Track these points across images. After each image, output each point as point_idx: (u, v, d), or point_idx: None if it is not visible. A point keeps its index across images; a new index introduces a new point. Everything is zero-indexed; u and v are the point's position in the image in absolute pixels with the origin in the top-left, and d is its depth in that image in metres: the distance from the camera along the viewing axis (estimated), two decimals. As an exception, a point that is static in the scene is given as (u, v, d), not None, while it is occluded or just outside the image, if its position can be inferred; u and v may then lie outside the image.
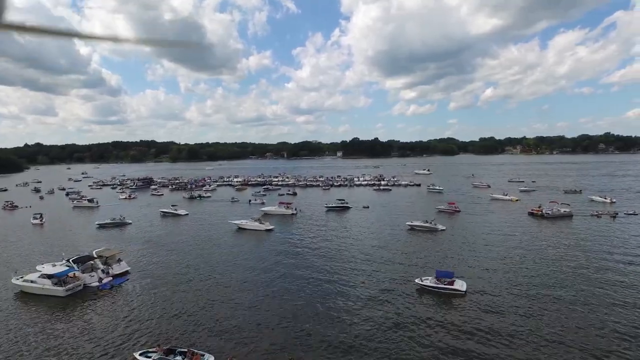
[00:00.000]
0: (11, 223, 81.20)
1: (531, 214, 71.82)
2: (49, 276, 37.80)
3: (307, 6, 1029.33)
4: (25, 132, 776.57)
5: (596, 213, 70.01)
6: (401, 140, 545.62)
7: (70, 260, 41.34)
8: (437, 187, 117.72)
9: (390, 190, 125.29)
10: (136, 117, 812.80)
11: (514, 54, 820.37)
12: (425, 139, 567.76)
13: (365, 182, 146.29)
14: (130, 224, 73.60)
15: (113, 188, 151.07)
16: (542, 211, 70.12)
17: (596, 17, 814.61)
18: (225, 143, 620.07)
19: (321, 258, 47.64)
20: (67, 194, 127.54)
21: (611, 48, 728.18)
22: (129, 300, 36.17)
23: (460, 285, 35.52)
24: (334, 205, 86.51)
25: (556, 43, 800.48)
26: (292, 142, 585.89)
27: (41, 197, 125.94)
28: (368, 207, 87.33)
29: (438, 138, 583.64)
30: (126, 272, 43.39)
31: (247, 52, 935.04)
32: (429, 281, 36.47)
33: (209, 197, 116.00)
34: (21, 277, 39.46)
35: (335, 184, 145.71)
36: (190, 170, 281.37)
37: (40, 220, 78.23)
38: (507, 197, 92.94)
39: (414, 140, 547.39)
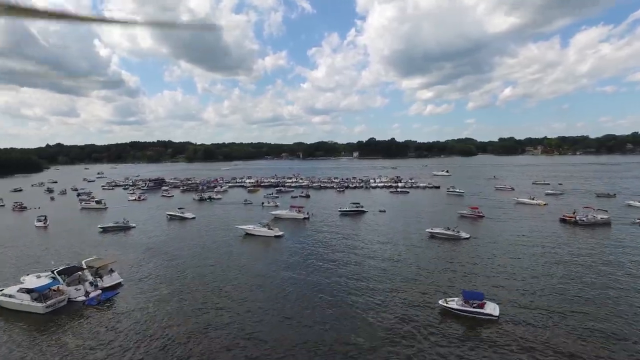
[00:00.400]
0: (16, 225, 78.89)
1: (563, 220, 65.68)
2: (28, 290, 34.07)
3: (323, 6, 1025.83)
4: (49, 133, 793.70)
5: (638, 221, 63.41)
6: (418, 141, 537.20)
7: (55, 272, 37.64)
8: (458, 190, 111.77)
9: (408, 192, 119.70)
10: (154, 118, 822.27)
11: (534, 52, 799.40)
12: (442, 139, 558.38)
13: (382, 184, 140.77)
14: (133, 227, 70.21)
15: (125, 189, 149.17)
16: (575, 217, 64.00)
17: (621, 12, 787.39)
18: (241, 143, 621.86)
19: (332, 272, 42.79)
20: (78, 195, 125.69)
21: (637, 45, 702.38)
22: (115, 319, 32.12)
23: (492, 309, 30.43)
24: (348, 209, 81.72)
25: (578, 40, 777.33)
26: (308, 143, 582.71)
27: (52, 198, 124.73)
28: (384, 211, 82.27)
29: (456, 138, 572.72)
30: (118, 285, 39.52)
31: (263, 52, 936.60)
32: (455, 303, 31.45)
33: (220, 199, 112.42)
34: (1, 290, 35.93)
35: (351, 185, 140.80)
36: (206, 170, 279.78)
37: (44, 223, 75.63)
38: (533, 201, 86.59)
39: (431, 141, 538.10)
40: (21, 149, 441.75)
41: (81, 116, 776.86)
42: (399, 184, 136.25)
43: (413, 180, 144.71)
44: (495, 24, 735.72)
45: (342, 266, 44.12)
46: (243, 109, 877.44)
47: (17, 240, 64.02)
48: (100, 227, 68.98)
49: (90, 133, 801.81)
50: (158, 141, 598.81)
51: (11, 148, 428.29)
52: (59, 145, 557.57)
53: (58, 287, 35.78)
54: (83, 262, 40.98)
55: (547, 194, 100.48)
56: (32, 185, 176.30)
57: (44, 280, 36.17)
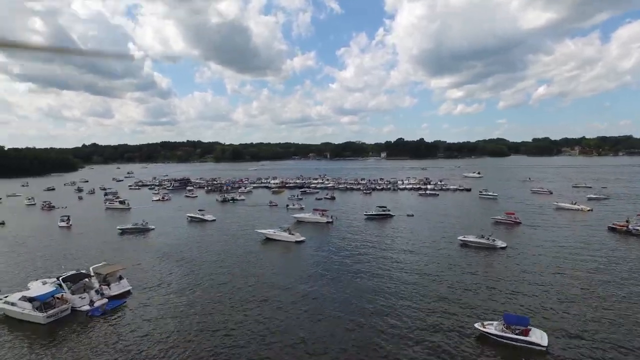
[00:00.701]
0: (41, 224, 79.19)
1: (612, 229, 59.46)
2: (30, 299, 32.19)
3: (351, 6, 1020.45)
4: (86, 133, 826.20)
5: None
6: (448, 141, 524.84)
7: (61, 279, 35.79)
8: (491, 193, 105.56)
9: (437, 195, 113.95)
10: (185, 119, 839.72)
11: (570, 49, 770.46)
12: (472, 140, 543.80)
13: (410, 186, 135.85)
14: (152, 229, 68.78)
15: (151, 189, 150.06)
16: (628, 226, 57.84)
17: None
18: (269, 143, 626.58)
19: (354, 287, 39.11)
20: (105, 195, 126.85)
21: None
22: (117, 333, 29.71)
23: (539, 337, 26.15)
24: (374, 213, 77.84)
25: (620, 35, 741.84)
26: (336, 143, 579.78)
27: (80, 198, 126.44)
28: (412, 215, 77.89)
29: (487, 139, 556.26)
30: (126, 293, 37.33)
31: (292, 53, 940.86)
32: (493, 327, 27.35)
33: (243, 200, 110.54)
34: (5, 297, 34.33)
35: (378, 187, 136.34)
36: (233, 170, 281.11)
37: (67, 223, 75.47)
38: (576, 207, 79.90)
39: (460, 141, 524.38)
40: (58, 149, 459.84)
41: (116, 117, 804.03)
42: (428, 186, 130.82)
43: (443, 182, 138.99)
44: (530, 20, 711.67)
45: (366, 279, 40.42)
46: (272, 109, 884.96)
47: (38, 240, 63.63)
48: (119, 229, 67.92)
49: (124, 133, 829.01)
50: (188, 141, 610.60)
51: (50, 148, 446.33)
52: (94, 145, 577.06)
53: (62, 295, 33.82)
54: (90, 269, 39.09)
55: (590, 199, 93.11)
56: (65, 185, 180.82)
57: (47, 287, 34.32)
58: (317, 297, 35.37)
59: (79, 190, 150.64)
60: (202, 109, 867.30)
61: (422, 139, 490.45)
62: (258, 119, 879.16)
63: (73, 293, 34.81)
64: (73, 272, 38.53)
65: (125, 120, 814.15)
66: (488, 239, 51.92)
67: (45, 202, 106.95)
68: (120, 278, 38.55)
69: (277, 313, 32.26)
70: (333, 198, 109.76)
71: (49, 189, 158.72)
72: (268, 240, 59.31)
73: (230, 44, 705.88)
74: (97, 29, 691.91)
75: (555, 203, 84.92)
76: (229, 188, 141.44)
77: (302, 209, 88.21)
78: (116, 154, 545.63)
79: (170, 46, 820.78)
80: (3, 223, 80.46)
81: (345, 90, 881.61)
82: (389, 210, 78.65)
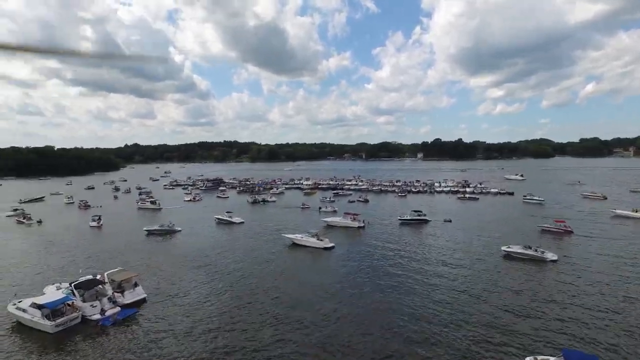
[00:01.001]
0: (74, 223, 79.99)
1: (682, 241, 52.71)
2: (39, 306, 30.68)
3: (387, 5, 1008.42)
4: (130, 134, 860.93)
5: None
6: (487, 142, 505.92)
7: (73, 285, 34.21)
8: (536, 198, 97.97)
9: (477, 199, 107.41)
10: (223, 119, 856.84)
11: (624, 42, 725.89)
12: (513, 140, 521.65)
13: (448, 189, 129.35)
14: (179, 231, 67.60)
15: (184, 189, 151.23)
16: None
17: None
18: (305, 144, 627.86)
19: (385, 305, 35.33)
20: (140, 194, 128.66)
21: None
22: (125, 347, 27.56)
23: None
24: (409, 217, 73.45)
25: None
26: (371, 143, 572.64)
27: (115, 197, 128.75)
28: (450, 221, 72.84)
29: (529, 139, 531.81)
30: (141, 301, 35.36)
31: (327, 53, 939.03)
32: (551, 364, 23.07)
33: (274, 201, 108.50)
34: (19, 302, 33.10)
35: (413, 189, 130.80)
36: (267, 170, 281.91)
37: (97, 223, 75.86)
38: (638, 215, 72.29)
39: (501, 142, 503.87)
40: (103, 149, 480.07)
41: (157, 118, 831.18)
42: (467, 189, 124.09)
43: (483, 185, 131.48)
44: (578, 13, 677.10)
45: (398, 297, 36.48)
46: (307, 109, 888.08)
47: (68, 240, 63.67)
48: (145, 230, 67.16)
49: (165, 134, 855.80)
50: (224, 141, 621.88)
51: (96, 148, 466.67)
52: (135, 145, 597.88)
53: (72, 302, 32.19)
54: (105, 274, 37.38)
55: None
56: (104, 184, 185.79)
57: (58, 294, 32.85)
58: (341, 317, 31.68)
59: (116, 189, 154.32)
60: (240, 109, 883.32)
61: (460, 139, 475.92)
62: (294, 119, 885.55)
63: (84, 300, 33.11)
64: (88, 277, 37.06)
65: (166, 121, 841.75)
66: (536, 250, 46.71)
67: (82, 201, 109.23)
68: (136, 285, 36.65)
69: (296, 336, 29.04)
70: (366, 201, 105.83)
71: (89, 188, 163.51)
72: (295, 245, 56.49)
73: (267, 45, 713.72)
74: (140, 34, 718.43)
75: (613, 210, 77.07)
76: (261, 189, 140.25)
77: (334, 211, 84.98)
78: (156, 154, 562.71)
79: (209, 49, 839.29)
80: (40, 221, 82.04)
81: (381, 90, 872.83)
82: (424, 215, 74.13)
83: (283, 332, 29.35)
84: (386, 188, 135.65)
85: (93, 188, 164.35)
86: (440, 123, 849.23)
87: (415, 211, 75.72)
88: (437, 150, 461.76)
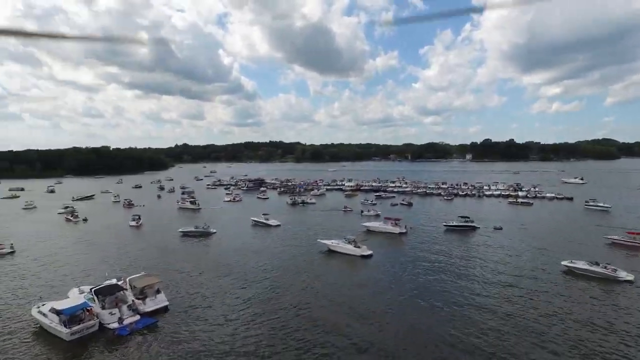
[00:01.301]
0: (115, 222, 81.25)
1: None
2: (57, 311, 29.54)
3: (435, 2, 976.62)
4: (181, 134, 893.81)
5: None
6: (541, 142, 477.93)
7: (93, 291, 32.93)
8: (601, 204, 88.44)
9: (531, 204, 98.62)
10: (269, 120, 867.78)
11: None
12: (571, 140, 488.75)
13: (498, 192, 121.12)
14: (214, 233, 66.43)
15: (226, 188, 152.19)
16: None
17: None
18: (350, 144, 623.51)
19: (427, 327, 31.53)
20: (182, 193, 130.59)
21: None
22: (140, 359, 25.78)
23: None
24: (455, 224, 68.23)
25: None
26: (418, 144, 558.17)
27: (159, 196, 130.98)
28: (501, 228, 66.79)
29: (589, 139, 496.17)
30: (163, 309, 33.56)
31: (374, 53, 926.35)
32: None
33: (314, 203, 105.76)
34: (43, 305, 32.31)
35: (461, 193, 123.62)
36: (312, 171, 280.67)
37: (137, 223, 76.59)
38: None
39: (556, 142, 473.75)
40: (154, 148, 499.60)
41: (206, 119, 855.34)
42: (520, 193, 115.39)
43: (537, 189, 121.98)
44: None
45: (439, 319, 32.22)
46: (353, 110, 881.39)
47: (106, 240, 64.18)
48: (180, 231, 66.53)
49: (213, 134, 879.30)
50: (270, 141, 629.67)
51: (148, 148, 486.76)
52: (184, 145, 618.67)
53: (91, 309, 30.83)
54: (127, 280, 35.93)
55: None
56: (151, 183, 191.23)
57: (77, 299, 31.74)
58: (375, 344, 28.10)
59: (161, 188, 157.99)
60: (286, 110, 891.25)
61: (512, 139, 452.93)
62: (340, 120, 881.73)
63: (104, 307, 31.72)
64: (111, 281, 35.96)
65: (215, 122, 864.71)
66: (605, 267, 40.61)
67: (126, 199, 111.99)
68: (158, 292, 34.97)
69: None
70: (410, 204, 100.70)
71: (136, 187, 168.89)
72: (331, 252, 53.36)
73: (313, 46, 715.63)
74: (191, 38, 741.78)
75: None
76: (302, 190, 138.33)
77: (377, 215, 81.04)
78: (204, 154, 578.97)
79: (257, 50, 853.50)
80: (86, 219, 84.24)
81: (428, 89, 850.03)
82: (472, 222, 68.61)
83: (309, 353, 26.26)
84: (431, 191, 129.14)
85: (140, 187, 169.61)
86: (490, 123, 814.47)
87: (462, 217, 70.35)
88: (487, 151, 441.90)
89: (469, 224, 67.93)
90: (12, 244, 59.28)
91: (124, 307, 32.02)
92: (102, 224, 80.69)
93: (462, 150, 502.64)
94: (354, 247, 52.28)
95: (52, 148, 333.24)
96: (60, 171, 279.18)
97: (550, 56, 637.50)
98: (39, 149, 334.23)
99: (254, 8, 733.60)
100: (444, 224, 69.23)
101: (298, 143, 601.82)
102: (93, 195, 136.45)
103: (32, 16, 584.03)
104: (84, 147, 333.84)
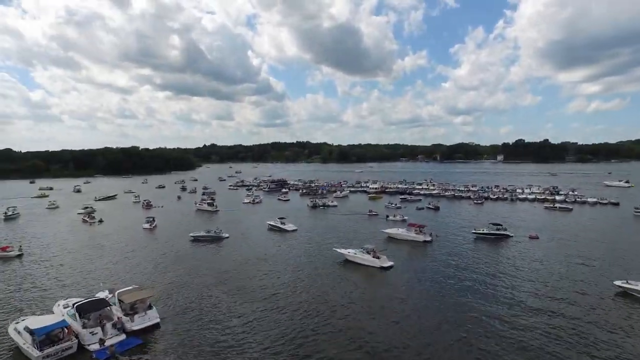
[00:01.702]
0: (129, 224, 79.34)
1: None
2: (30, 331, 26.44)
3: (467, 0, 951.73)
4: (210, 135, 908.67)
5: None
6: (578, 142, 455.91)
7: (75, 306, 29.71)
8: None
9: (571, 210, 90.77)
10: (297, 120, 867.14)
11: None
12: (611, 141, 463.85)
13: (533, 196, 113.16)
14: (226, 238, 63.23)
15: (249, 190, 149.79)
16: None
17: None
18: (377, 145, 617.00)
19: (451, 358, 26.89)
20: (203, 194, 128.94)
21: None
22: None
23: None
24: (486, 231, 62.51)
25: None
26: (447, 144, 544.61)
27: (179, 197, 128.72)
28: (537, 237, 60.62)
29: (632, 139, 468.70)
30: (153, 327, 30.13)
31: (403, 52, 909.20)
32: None
33: (335, 206, 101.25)
34: (22, 320, 29.42)
35: (492, 196, 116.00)
36: (338, 172, 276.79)
37: (150, 225, 74.46)
38: None
39: (595, 142, 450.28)
40: (183, 148, 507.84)
41: (235, 119, 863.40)
42: (557, 197, 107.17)
43: (576, 193, 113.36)
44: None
45: (469, 349, 27.66)
46: (381, 110, 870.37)
47: (116, 243, 61.97)
48: (191, 236, 63.65)
49: (242, 134, 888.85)
50: (297, 142, 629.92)
51: (177, 148, 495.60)
52: (212, 145, 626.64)
53: (68, 327, 27.65)
54: (116, 293, 32.60)
55: None
56: (175, 183, 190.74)
57: (54, 317, 28.71)
58: None
59: (183, 189, 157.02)
60: (313, 110, 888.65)
61: (547, 140, 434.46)
62: (367, 120, 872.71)
63: (85, 325, 28.48)
64: (104, 293, 33.04)
65: (243, 122, 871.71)
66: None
67: (145, 200, 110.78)
68: (150, 307, 31.56)
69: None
70: (437, 208, 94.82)
71: (159, 187, 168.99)
72: (347, 262, 49.00)
73: (341, 46, 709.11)
74: (221, 39, 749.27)
75: None
76: (324, 192, 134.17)
77: (404, 221, 75.95)
78: (231, 154, 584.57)
79: (284, 51, 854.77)
80: (101, 221, 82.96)
81: (458, 89, 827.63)
82: (505, 229, 62.75)
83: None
84: (460, 194, 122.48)
85: (163, 187, 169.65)
86: (522, 123, 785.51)
87: (493, 224, 64.51)
88: (520, 151, 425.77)
89: (501, 232, 62.09)
90: (20, 247, 57.91)
91: (108, 326, 28.71)
92: (117, 225, 79.10)
93: (493, 151, 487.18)
94: (373, 257, 47.69)
95: (88, 148, 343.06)
96: (91, 171, 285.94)
97: (590, 52, 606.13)
98: (74, 149, 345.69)
99: (282, 9, 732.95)
100: (473, 231, 63.55)
101: (325, 143, 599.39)
102: (115, 195, 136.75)
103: (73, 22, 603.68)
104: (115, 147, 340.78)
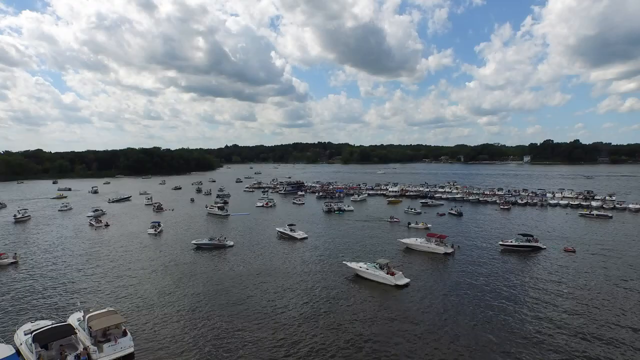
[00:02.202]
0: (135, 229, 76.16)
1: None
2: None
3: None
4: (233, 135, 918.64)
5: None
6: (612, 143, 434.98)
7: (33, 334, 25.69)
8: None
9: (610, 217, 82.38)
10: (319, 121, 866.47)
11: None
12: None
13: (566, 202, 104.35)
14: (230, 247, 59.23)
15: (264, 192, 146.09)
16: None
17: None
18: (400, 145, 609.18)
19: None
20: (218, 196, 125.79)
21: None
22: None
23: None
24: (515, 243, 56.36)
25: None
26: (472, 145, 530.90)
27: (192, 200, 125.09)
28: (574, 251, 54.18)
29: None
30: (126, 358, 26.06)
31: (427, 51, 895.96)
32: None
33: (352, 211, 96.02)
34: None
35: (520, 201, 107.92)
36: (358, 173, 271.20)
37: (155, 230, 71.24)
38: None
39: (631, 143, 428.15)
40: (205, 149, 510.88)
41: (258, 120, 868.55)
42: (593, 203, 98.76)
43: (614, 198, 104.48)
44: None
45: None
46: (404, 110, 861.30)
47: (116, 250, 58.75)
48: (194, 243, 59.84)
49: (265, 135, 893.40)
50: (318, 142, 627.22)
51: (199, 148, 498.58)
52: (234, 146, 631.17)
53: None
54: (85, 318, 28.51)
55: None
56: (192, 184, 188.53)
57: (4, 348, 24.80)
58: None
59: (198, 191, 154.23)
60: (336, 111, 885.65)
61: (577, 140, 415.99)
62: (390, 120, 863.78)
63: (40, 357, 24.50)
64: (74, 316, 29.14)
65: (266, 123, 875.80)
66: None
67: (155, 203, 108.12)
68: (125, 334, 27.43)
69: None
70: (460, 214, 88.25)
71: (175, 188, 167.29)
72: (359, 278, 44.05)
73: (364, 46, 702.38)
74: (245, 41, 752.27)
75: None
76: (341, 195, 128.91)
77: (427, 229, 70.23)
78: (252, 154, 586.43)
79: (308, 52, 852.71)
80: (107, 225, 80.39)
81: (483, 88, 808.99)
82: (536, 241, 56.50)
83: None
84: (485, 198, 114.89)
85: (180, 188, 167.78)
86: (550, 123, 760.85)
87: (523, 234, 58.34)
88: (548, 153, 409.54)
89: (532, 243, 55.86)
90: (15, 254, 55.41)
91: (70, 358, 24.62)
92: (122, 230, 76.18)
93: (519, 152, 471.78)
94: (387, 273, 42.53)
95: (116, 148, 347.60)
96: (114, 171, 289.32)
97: (626, 47, 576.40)
98: (100, 149, 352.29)
99: (305, 9, 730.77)
100: (501, 243, 57.39)
101: (347, 144, 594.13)
102: (130, 197, 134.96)
103: (103, 27, 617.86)
104: (137, 147, 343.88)
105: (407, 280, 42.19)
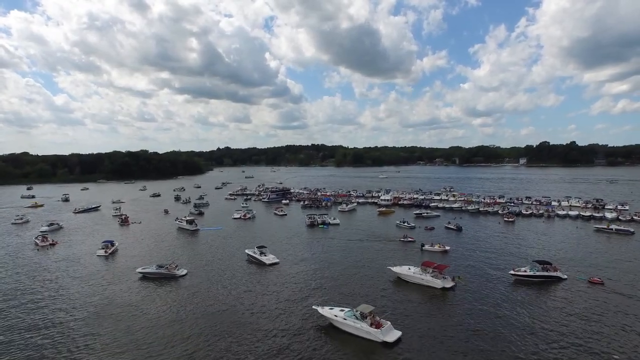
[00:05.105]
0: (84, 250, 64.81)
1: None
2: None
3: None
4: (228, 137, 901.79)
5: None
6: (606, 145, 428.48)
7: None
8: None
9: (632, 233, 70.81)
10: (314, 122, 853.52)
11: None
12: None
13: (575, 212, 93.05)
14: (182, 276, 48.89)
15: (247, 200, 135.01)
16: None
17: None
18: (394, 147, 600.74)
19: None
20: (195, 205, 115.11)
21: None
22: None
23: None
24: (529, 273, 46.15)
25: None
26: (466, 147, 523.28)
27: (166, 211, 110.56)
28: (602, 283, 43.99)
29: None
30: None
31: (422, 53, 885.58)
32: None
33: (338, 224, 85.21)
34: None
35: (524, 211, 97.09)
36: (354, 177, 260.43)
37: (106, 252, 60.96)
38: None
39: (624, 144, 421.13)
40: (193, 151, 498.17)
41: (252, 122, 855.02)
42: (607, 215, 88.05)
43: (627, 208, 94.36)
44: None
45: None
46: (399, 112, 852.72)
47: (48, 280, 48.02)
48: (139, 272, 49.54)
49: (259, 137, 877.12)
50: (312, 145, 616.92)
51: (190, 151, 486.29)
52: (226, 148, 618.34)
53: None
54: None
55: None
56: (174, 190, 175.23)
57: None
58: None
59: (177, 198, 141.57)
60: (331, 112, 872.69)
61: (574, 142, 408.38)
62: (385, 122, 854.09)
63: None
64: None
65: (260, 125, 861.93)
66: None
67: (121, 215, 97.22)
68: None
69: None
70: (459, 229, 77.47)
71: (154, 195, 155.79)
72: (335, 329, 33.83)
73: (359, 47, 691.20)
74: (239, 42, 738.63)
75: None
76: (329, 204, 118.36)
77: (445, 251, 59.51)
78: (245, 157, 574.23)
79: (302, 53, 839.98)
80: (53, 244, 69.69)
81: (478, 90, 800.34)
82: (555, 270, 46.47)
83: None
84: (486, 208, 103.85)
85: (159, 195, 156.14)
86: (545, 124, 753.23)
87: (539, 261, 48.22)
88: (544, 155, 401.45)
89: (551, 273, 45.85)
90: None
91: None
92: (69, 251, 65.05)
93: (514, 154, 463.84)
94: (369, 326, 32.22)
95: (109, 151, 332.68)
96: (97, 175, 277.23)
97: (618, 49, 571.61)
98: (91, 152, 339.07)
99: (300, 10, 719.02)
100: (512, 272, 47.12)
101: (340, 146, 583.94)
102: (99, 206, 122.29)
103: (94, 27, 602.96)
104: (131, 150, 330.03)
105: (398, 334, 32.03)
